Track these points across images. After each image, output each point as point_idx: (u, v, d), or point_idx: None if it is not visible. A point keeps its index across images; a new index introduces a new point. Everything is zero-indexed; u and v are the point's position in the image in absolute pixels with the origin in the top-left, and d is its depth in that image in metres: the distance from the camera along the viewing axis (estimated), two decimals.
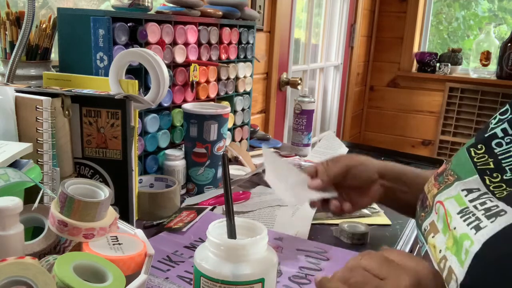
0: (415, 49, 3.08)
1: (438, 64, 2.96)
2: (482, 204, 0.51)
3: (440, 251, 0.53)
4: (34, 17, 0.84)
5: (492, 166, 0.54)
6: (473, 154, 0.57)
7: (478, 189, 0.53)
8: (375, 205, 1.01)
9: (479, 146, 0.57)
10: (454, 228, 0.52)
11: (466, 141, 0.64)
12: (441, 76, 2.95)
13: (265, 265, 0.48)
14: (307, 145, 1.46)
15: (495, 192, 0.51)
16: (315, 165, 0.79)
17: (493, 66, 2.84)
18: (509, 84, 2.73)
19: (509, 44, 2.68)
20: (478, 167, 0.55)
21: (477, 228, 0.48)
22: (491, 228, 0.47)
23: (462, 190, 0.55)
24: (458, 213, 0.52)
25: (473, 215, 0.50)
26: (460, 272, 0.48)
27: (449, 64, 2.94)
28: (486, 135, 0.58)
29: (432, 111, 3.07)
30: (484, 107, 2.88)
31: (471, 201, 0.52)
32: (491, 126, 0.59)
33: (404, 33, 3.05)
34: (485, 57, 2.83)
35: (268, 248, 0.50)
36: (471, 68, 2.92)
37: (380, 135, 3.26)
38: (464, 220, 0.51)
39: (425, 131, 3.11)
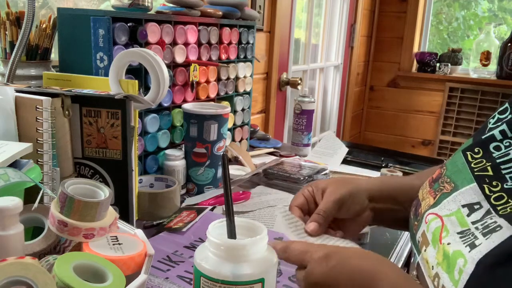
0: (415, 49, 3.08)
1: (438, 64, 2.96)
2: (483, 224, 0.48)
3: (433, 267, 0.51)
4: (34, 17, 0.84)
5: (490, 172, 0.51)
6: (469, 158, 0.54)
7: (479, 205, 0.50)
8: None
9: (476, 150, 0.54)
10: (448, 244, 0.49)
11: (466, 141, 0.62)
12: (441, 76, 2.95)
13: (265, 265, 0.48)
14: (307, 145, 1.46)
15: (498, 208, 0.48)
16: (302, 193, 0.71)
17: (493, 66, 2.84)
18: (509, 84, 2.73)
19: (509, 44, 2.68)
20: (476, 173, 0.52)
21: (472, 246, 0.46)
22: (485, 245, 0.45)
23: (463, 207, 0.51)
24: (458, 233, 0.50)
25: (472, 235, 0.48)
26: None
27: (449, 64, 2.94)
28: (483, 137, 0.54)
29: (432, 111, 3.07)
30: (484, 107, 2.88)
31: (473, 222, 0.49)
32: (490, 126, 0.56)
33: (404, 33, 3.05)
34: (485, 57, 2.83)
35: (268, 248, 0.50)
36: (471, 68, 2.93)
37: (380, 135, 3.26)
38: (462, 240, 0.48)
39: (425, 131, 3.11)
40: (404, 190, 0.71)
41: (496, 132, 0.53)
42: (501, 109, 0.57)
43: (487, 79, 2.83)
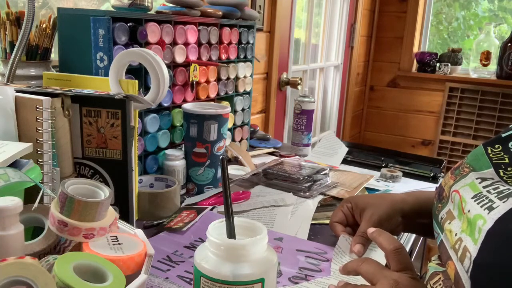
0: (415, 49, 3.08)
1: (438, 64, 2.96)
2: (495, 188, 0.53)
3: (456, 234, 0.55)
4: (34, 17, 0.84)
5: (507, 161, 0.56)
6: (489, 151, 0.59)
7: (492, 179, 0.55)
8: None
9: (496, 146, 0.59)
10: (468, 211, 0.54)
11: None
12: (441, 76, 2.95)
13: (265, 265, 0.48)
14: (307, 145, 1.46)
15: (508, 182, 0.54)
16: (341, 210, 0.81)
17: (493, 66, 2.84)
18: (509, 84, 2.73)
19: (509, 44, 2.68)
20: (494, 161, 0.57)
21: (490, 209, 0.51)
22: (503, 207, 0.50)
23: (477, 179, 0.57)
24: (472, 198, 0.55)
25: (486, 198, 0.53)
26: (473, 249, 0.50)
27: (449, 64, 2.94)
28: (503, 135, 0.59)
29: (432, 111, 3.07)
30: (484, 107, 2.88)
31: (484, 187, 0.55)
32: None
33: (404, 33, 3.05)
34: (485, 57, 2.83)
35: (268, 248, 0.50)
36: (471, 68, 2.92)
37: (380, 135, 3.26)
38: (478, 203, 0.53)
39: (425, 131, 3.11)
40: (428, 203, 0.76)
41: None
42: None
43: (487, 79, 2.83)
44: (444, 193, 0.64)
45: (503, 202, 0.50)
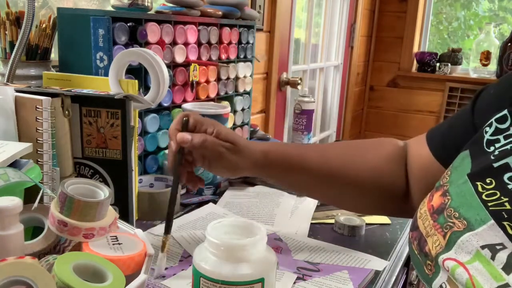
0: (415, 49, 3.08)
1: (438, 64, 2.96)
2: None
3: None
4: (34, 17, 0.84)
5: (508, 207, 0.43)
6: (480, 189, 0.46)
7: (502, 245, 0.43)
8: None
9: (487, 180, 0.46)
10: None
11: (461, 155, 0.52)
12: (441, 76, 2.95)
13: (265, 265, 0.48)
14: None
15: None
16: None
17: (493, 66, 2.84)
18: None
19: (509, 44, 2.68)
20: (491, 208, 0.44)
21: None
22: None
23: (483, 248, 0.44)
24: None
25: None
26: None
27: (449, 64, 2.94)
28: (495, 165, 0.46)
29: (432, 111, 3.07)
30: None
31: (504, 269, 0.42)
32: (487, 137, 0.50)
33: (404, 33, 3.05)
34: (485, 57, 2.83)
35: (267, 248, 0.50)
36: (471, 68, 2.93)
37: (380, 135, 3.26)
38: None
39: (425, 131, 3.10)
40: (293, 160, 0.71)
41: (510, 160, 0.46)
42: (498, 116, 0.50)
43: (487, 79, 2.83)
44: (427, 247, 0.50)
45: None
